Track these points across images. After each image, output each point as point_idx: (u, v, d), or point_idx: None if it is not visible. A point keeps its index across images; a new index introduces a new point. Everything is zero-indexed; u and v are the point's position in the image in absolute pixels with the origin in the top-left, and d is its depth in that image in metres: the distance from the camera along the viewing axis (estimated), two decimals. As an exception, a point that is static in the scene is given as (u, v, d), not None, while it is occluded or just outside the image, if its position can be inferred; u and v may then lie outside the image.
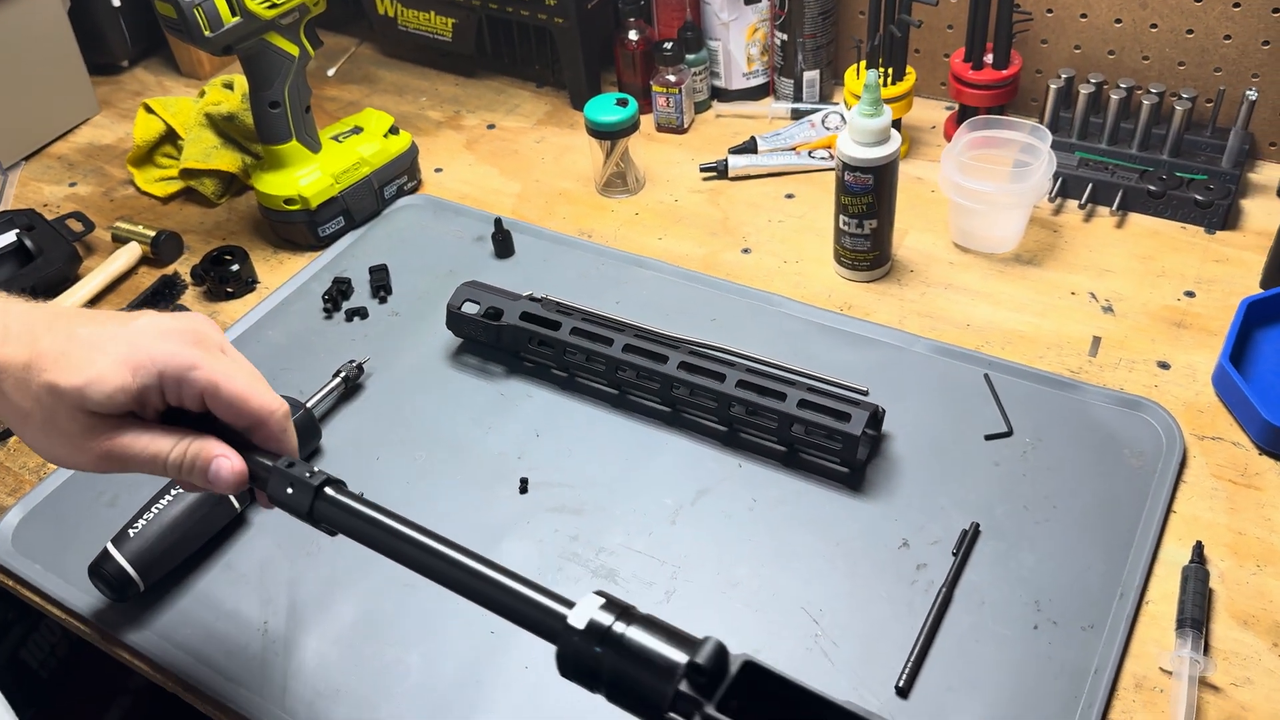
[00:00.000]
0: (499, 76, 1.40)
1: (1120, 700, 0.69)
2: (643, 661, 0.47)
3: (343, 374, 0.95)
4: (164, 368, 0.57)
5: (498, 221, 1.09)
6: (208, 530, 0.83)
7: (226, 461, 0.59)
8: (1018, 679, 0.70)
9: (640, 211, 1.15)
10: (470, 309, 0.97)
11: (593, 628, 0.48)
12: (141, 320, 0.59)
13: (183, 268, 1.14)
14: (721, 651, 0.46)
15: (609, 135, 1.11)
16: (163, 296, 1.09)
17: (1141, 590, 0.74)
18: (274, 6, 1.01)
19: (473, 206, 1.17)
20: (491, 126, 1.31)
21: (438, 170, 1.25)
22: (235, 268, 1.09)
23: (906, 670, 0.71)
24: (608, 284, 1.05)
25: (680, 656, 0.46)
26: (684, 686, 0.45)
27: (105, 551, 0.78)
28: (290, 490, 0.58)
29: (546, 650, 0.75)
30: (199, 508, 0.81)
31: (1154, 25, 1.08)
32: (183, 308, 1.07)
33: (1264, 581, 0.74)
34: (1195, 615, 0.71)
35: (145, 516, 0.80)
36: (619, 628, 0.47)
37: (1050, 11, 1.13)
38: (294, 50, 1.06)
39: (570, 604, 0.50)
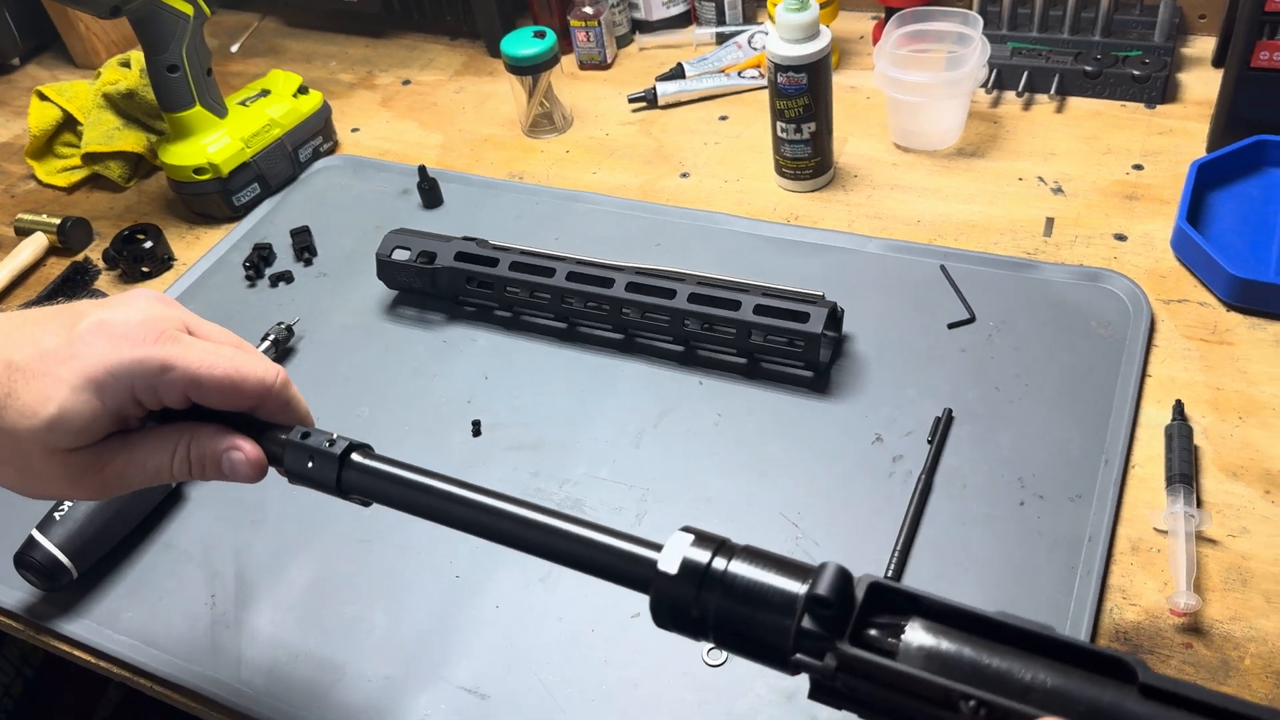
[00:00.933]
0: (410, 34, 1.35)
1: (1118, 565, 0.66)
2: (754, 599, 0.41)
3: (271, 337, 0.90)
4: (132, 381, 0.47)
5: (422, 170, 1.04)
6: (142, 508, 0.77)
7: (239, 454, 0.51)
8: (1010, 556, 0.67)
9: (571, 149, 1.10)
10: (401, 256, 0.92)
11: (688, 569, 0.42)
12: (83, 325, 0.48)
13: (94, 254, 1.07)
14: (844, 577, 0.40)
15: (530, 69, 1.06)
16: (75, 284, 1.03)
17: (1126, 455, 0.71)
18: (160, -39, 0.95)
19: (395, 161, 1.12)
20: (407, 82, 1.26)
21: (354, 130, 1.19)
22: (149, 245, 1.03)
23: (893, 562, 0.67)
24: (544, 222, 1.01)
25: (797, 587, 0.40)
26: (807, 623, 0.40)
27: (31, 539, 0.72)
28: (311, 464, 0.51)
29: (517, 588, 0.71)
30: (129, 484, 0.76)
31: (1073, -95, 1.06)
32: (98, 293, 1.01)
33: (1248, 432, 0.72)
34: (1184, 471, 0.68)
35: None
36: (719, 564, 0.42)
37: (967, -97, 1.10)
38: (188, 9, 1.00)
39: (657, 546, 0.44)
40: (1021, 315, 0.82)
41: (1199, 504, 0.68)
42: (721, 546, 0.44)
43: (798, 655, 0.41)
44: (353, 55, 1.33)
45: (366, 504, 0.53)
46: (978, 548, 0.68)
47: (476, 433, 0.82)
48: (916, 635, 0.41)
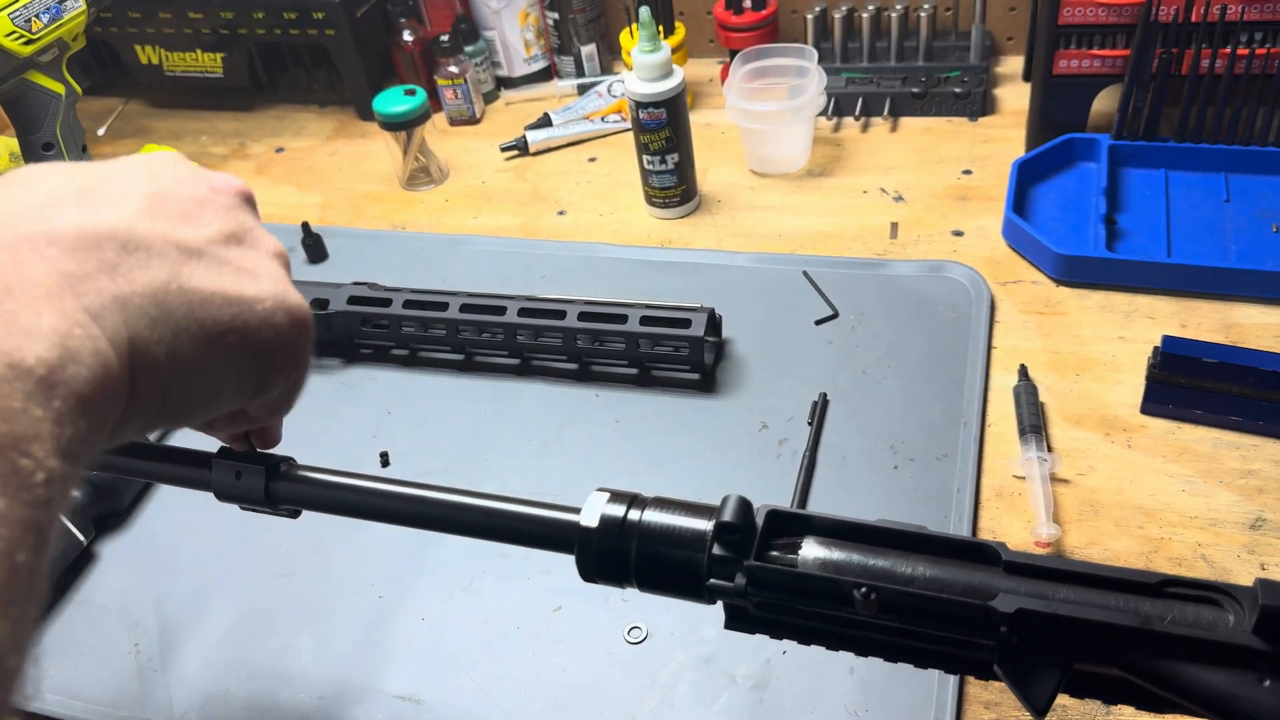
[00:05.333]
0: (279, 105, 1.38)
1: (985, 510, 0.73)
2: (668, 540, 0.46)
3: (172, 394, 0.91)
4: None
5: (305, 226, 1.07)
6: (54, 567, 0.77)
7: None
8: (889, 514, 0.73)
9: (450, 198, 1.15)
10: (295, 306, 0.95)
11: (608, 523, 0.47)
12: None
13: (-27, 337, 1.06)
14: (745, 505, 0.45)
15: (403, 125, 1.12)
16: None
17: (982, 417, 0.80)
18: (30, 43, 0.98)
19: (276, 223, 1.15)
20: (280, 150, 1.29)
21: (234, 198, 1.21)
22: (33, 322, 1.02)
23: (790, 530, 0.73)
24: (431, 266, 1.05)
25: (705, 524, 0.45)
26: (717, 550, 0.45)
27: (-59, 608, 0.72)
28: (239, 478, 0.54)
29: (440, 600, 0.74)
30: (40, 544, 0.76)
31: (886, -51, 1.18)
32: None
33: (1085, 386, 0.81)
34: (1034, 422, 0.77)
35: (-20, 564, 0.74)
36: (634, 515, 0.47)
37: (793, -48, 1.21)
38: (59, 88, 1.02)
39: (576, 510, 0.48)
40: (878, 308, 0.91)
41: (1049, 449, 0.76)
42: (634, 500, 0.49)
43: (712, 580, 0.46)
44: (222, 129, 1.36)
45: (295, 514, 0.57)
46: (860, 509, 0.74)
47: (385, 463, 0.85)
48: (811, 549, 0.47)
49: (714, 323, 0.88)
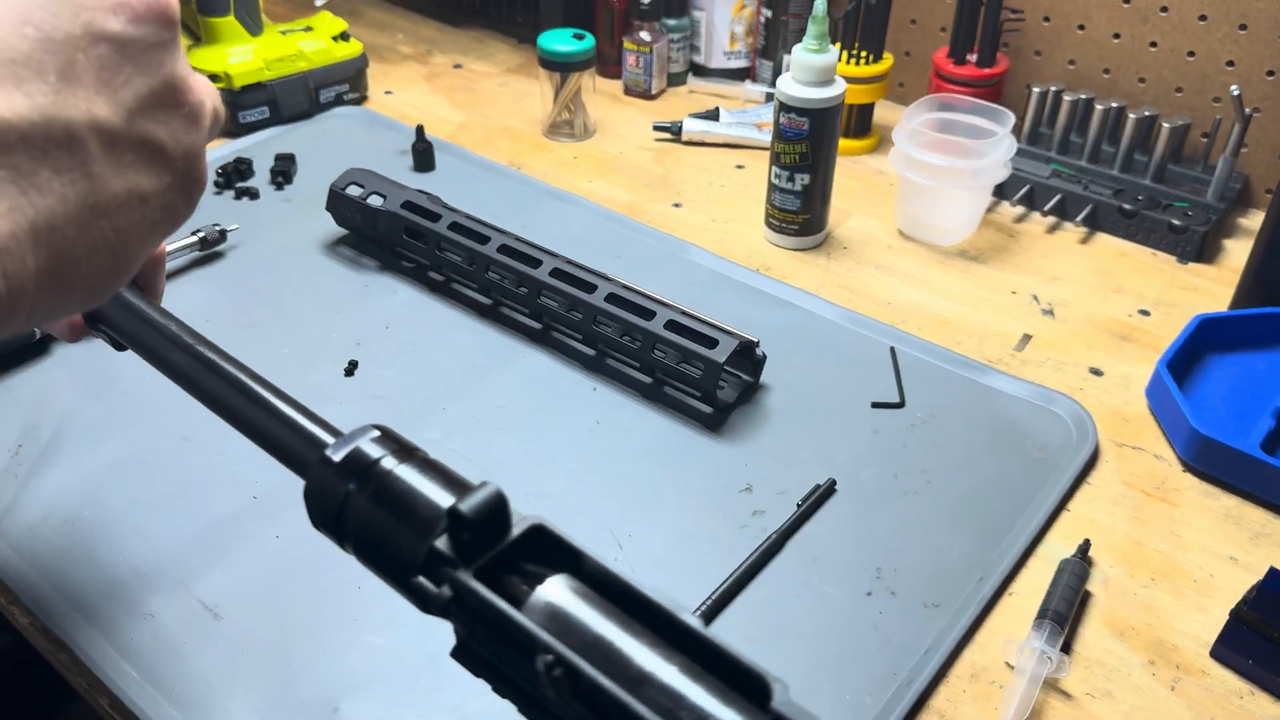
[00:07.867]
0: (482, 29, 1.35)
1: (948, 687, 0.56)
2: (401, 506, 0.35)
3: (201, 234, 0.87)
4: None
5: (419, 130, 1.02)
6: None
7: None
8: (831, 643, 0.58)
9: (579, 156, 1.07)
10: (354, 192, 0.89)
11: (352, 462, 0.36)
12: None
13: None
14: (498, 501, 0.34)
15: (559, 66, 1.04)
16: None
17: (1006, 578, 0.62)
18: None
19: (409, 125, 1.10)
20: (458, 66, 1.26)
21: (388, 92, 1.19)
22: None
23: (704, 608, 0.59)
24: (520, 210, 0.97)
25: (446, 505, 0.34)
26: (443, 543, 0.34)
27: None
28: None
29: (308, 527, 0.65)
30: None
31: (1153, 44, 1.00)
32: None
33: (1155, 595, 0.62)
34: (1060, 609, 0.59)
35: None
36: (387, 464, 0.35)
37: (1047, 20, 1.05)
38: (249, -77, 1.01)
39: (339, 434, 0.38)
40: (955, 415, 0.74)
41: (1066, 650, 0.58)
42: (403, 449, 0.37)
43: (420, 579, 0.35)
44: (421, 34, 1.34)
45: (119, 346, 0.49)
46: (801, 623, 0.59)
47: (350, 373, 0.77)
48: (555, 590, 0.34)
49: (750, 358, 0.74)
